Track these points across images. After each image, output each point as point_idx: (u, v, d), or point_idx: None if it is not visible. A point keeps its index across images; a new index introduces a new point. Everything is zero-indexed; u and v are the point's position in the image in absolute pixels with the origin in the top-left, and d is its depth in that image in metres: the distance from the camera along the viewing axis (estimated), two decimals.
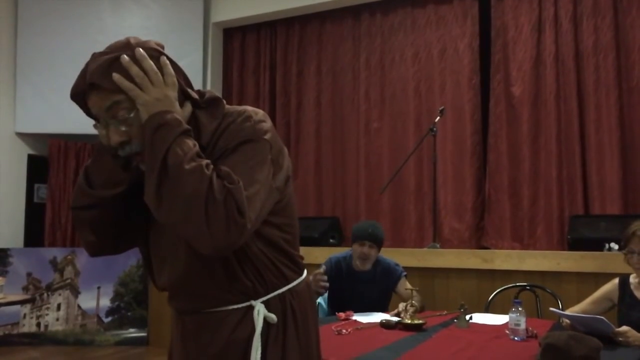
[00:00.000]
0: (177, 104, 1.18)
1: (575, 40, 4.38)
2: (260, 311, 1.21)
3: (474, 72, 4.72)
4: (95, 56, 1.19)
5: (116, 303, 4.98)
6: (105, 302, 4.98)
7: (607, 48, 4.25)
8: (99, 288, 5.00)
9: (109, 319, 4.95)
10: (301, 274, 1.34)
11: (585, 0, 4.37)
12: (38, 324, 4.92)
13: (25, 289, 4.92)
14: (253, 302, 1.22)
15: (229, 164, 1.14)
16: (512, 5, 4.63)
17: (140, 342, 4.87)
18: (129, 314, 4.96)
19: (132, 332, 4.91)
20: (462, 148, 4.69)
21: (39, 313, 4.93)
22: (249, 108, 1.26)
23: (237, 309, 1.22)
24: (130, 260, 5.09)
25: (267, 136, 1.20)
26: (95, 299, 4.99)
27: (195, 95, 1.24)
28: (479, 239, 4.57)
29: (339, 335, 2.32)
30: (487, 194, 4.58)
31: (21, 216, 5.56)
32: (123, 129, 1.15)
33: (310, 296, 1.37)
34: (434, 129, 4.21)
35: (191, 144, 1.12)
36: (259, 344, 1.20)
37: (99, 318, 4.96)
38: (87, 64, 1.19)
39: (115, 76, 1.13)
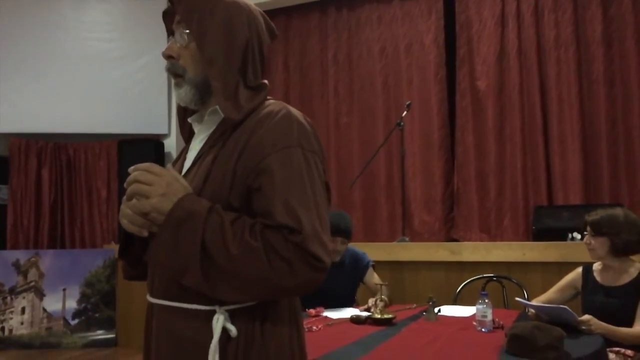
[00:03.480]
0: (178, 186, 1.11)
1: (537, 34, 4.46)
2: (219, 320, 1.10)
3: (439, 66, 4.77)
4: None
5: (83, 305, 4.88)
6: (72, 304, 4.88)
7: (568, 42, 4.34)
8: (64, 290, 4.90)
9: (76, 321, 4.85)
10: None
11: None
12: (2, 329, 4.79)
13: None
14: (217, 308, 1.11)
15: (281, 184, 1.08)
16: (476, 0, 4.68)
17: (108, 343, 4.79)
18: (96, 315, 4.87)
19: (100, 334, 4.83)
20: (430, 141, 4.74)
21: (2, 317, 4.80)
22: (287, 106, 1.20)
23: (201, 310, 1.13)
24: (96, 260, 5.00)
25: (311, 142, 1.15)
26: (61, 301, 4.89)
27: (250, 76, 1.20)
28: (448, 231, 4.64)
29: (310, 332, 2.32)
30: (455, 186, 4.65)
31: None
32: (177, 45, 1.22)
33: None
34: (401, 123, 4.24)
35: (223, 219, 1.06)
36: (216, 355, 1.09)
37: (66, 320, 4.85)
38: None
39: None
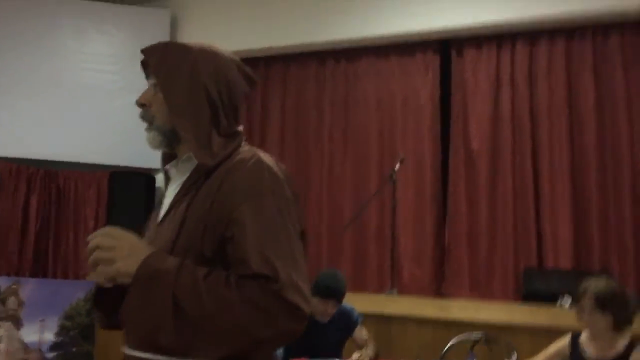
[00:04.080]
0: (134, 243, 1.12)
1: (531, 99, 4.59)
2: None
3: (434, 122, 4.87)
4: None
5: (61, 338, 4.76)
6: (49, 336, 4.75)
7: (560, 108, 4.47)
8: (42, 321, 4.79)
9: (53, 354, 4.72)
10: None
11: (540, 61, 4.59)
12: None
13: None
14: None
15: (255, 233, 1.08)
16: (472, 62, 4.82)
17: None
18: (73, 349, 4.74)
19: None
20: (422, 195, 4.80)
21: None
22: (259, 152, 1.22)
23: None
24: (77, 293, 4.89)
25: (282, 189, 1.16)
26: (38, 333, 4.77)
27: (224, 123, 1.23)
28: (438, 286, 4.64)
29: None
30: (446, 241, 4.68)
31: None
32: (150, 93, 1.27)
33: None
34: (393, 176, 4.30)
35: (195, 275, 1.06)
36: None
37: (42, 353, 4.73)
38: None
39: None
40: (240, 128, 1.30)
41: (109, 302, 1.25)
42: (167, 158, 1.36)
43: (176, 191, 1.25)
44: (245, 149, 1.23)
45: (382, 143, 5.05)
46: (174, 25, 5.54)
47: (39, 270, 5.34)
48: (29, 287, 4.85)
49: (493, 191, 4.61)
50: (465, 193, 4.67)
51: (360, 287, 4.79)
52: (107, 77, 5.35)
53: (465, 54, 4.84)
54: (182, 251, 1.12)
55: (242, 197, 1.12)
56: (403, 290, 4.50)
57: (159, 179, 5.41)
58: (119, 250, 1.08)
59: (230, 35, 5.29)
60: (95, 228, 5.42)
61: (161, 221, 1.25)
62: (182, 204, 1.20)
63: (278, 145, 5.36)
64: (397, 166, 4.34)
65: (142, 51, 1.29)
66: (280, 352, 3.17)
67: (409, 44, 4.94)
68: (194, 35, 5.60)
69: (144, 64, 1.34)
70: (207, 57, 1.25)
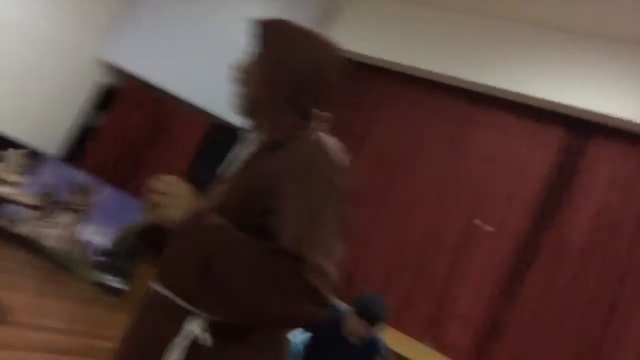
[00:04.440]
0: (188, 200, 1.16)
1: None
2: (192, 323, 1.12)
3: (535, 197, 4.62)
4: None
5: (112, 248, 5.03)
6: (103, 242, 5.05)
7: None
8: (103, 226, 5.08)
9: (99, 258, 5.00)
10: None
11: None
12: (36, 233, 5.02)
13: (42, 197, 5.04)
14: (197, 312, 1.13)
15: (296, 212, 1.09)
16: (596, 150, 4.55)
17: (115, 293, 4.90)
18: (117, 262, 5.00)
19: (112, 281, 4.94)
20: (497, 265, 4.55)
21: (41, 223, 5.04)
22: (327, 139, 1.21)
23: (182, 307, 1.15)
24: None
25: (336, 178, 1.15)
26: (96, 235, 5.07)
27: (301, 105, 1.24)
28: (480, 357, 4.40)
29: None
30: (503, 319, 4.41)
31: (71, 132, 5.76)
32: (250, 60, 1.31)
33: (275, 349, 1.20)
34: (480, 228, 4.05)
35: (230, 236, 1.08)
36: (175, 356, 1.10)
37: (91, 253, 5.02)
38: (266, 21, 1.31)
39: None
40: (320, 113, 1.30)
41: (154, 238, 1.35)
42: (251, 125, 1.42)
43: (244, 158, 1.31)
44: (315, 133, 1.23)
45: (472, 198, 4.89)
46: (325, 14, 5.60)
47: (119, 182, 5.68)
48: (104, 192, 5.18)
49: (570, 286, 4.31)
50: (541, 280, 4.39)
51: (397, 325, 4.66)
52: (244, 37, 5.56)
53: (592, 140, 4.59)
54: (226, 212, 1.16)
55: (294, 176, 1.13)
56: (442, 347, 4.31)
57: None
58: (171, 199, 1.15)
59: (372, 39, 5.33)
60: (181, 165, 5.68)
61: (222, 180, 1.33)
62: (241, 171, 1.26)
63: (370, 158, 5.34)
64: (490, 228, 4.10)
65: (257, 22, 1.32)
66: (299, 349, 3.15)
67: (540, 110, 4.76)
68: (342, 28, 5.67)
69: (256, 34, 1.36)
70: (309, 39, 1.27)
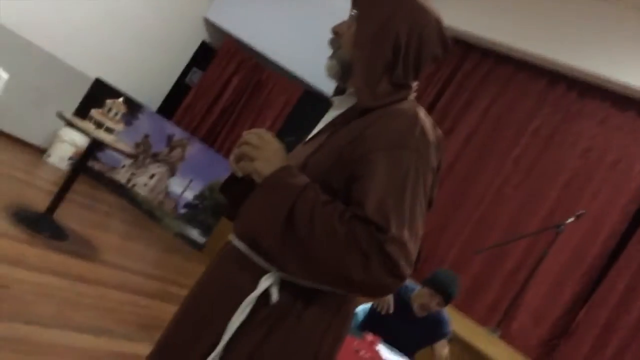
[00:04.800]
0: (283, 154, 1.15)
1: None
2: (268, 280, 1.13)
3: (634, 199, 4.32)
4: None
5: (197, 202, 5.24)
6: (189, 195, 5.26)
7: None
8: (190, 180, 5.29)
9: (184, 210, 5.23)
10: None
11: None
12: (129, 180, 5.31)
13: (136, 147, 5.31)
14: (273, 270, 1.14)
15: (383, 181, 1.06)
16: None
17: (195, 245, 5.11)
18: (201, 217, 5.20)
19: (194, 234, 5.16)
20: (577, 263, 4.34)
21: (134, 171, 5.32)
22: (421, 110, 1.18)
23: (258, 265, 1.16)
24: (227, 172, 5.30)
25: (428, 152, 1.12)
26: (183, 188, 5.28)
27: (399, 73, 1.20)
28: (545, 354, 4.24)
29: (356, 353, 2.27)
30: (578, 321, 4.22)
31: (168, 87, 5.99)
32: (345, 24, 1.27)
33: (340, 311, 1.20)
34: (561, 227, 3.92)
35: (316, 197, 1.06)
36: (248, 309, 1.12)
37: (176, 205, 5.25)
38: None
39: None
40: (415, 84, 1.26)
41: (237, 191, 1.34)
42: (339, 92, 1.38)
43: (329, 120, 1.29)
44: (409, 104, 1.20)
45: (566, 190, 4.62)
46: None
47: (209, 139, 5.87)
48: (194, 148, 5.37)
49: None
50: (625, 286, 4.13)
51: (465, 309, 4.55)
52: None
53: None
54: (312, 174, 1.15)
55: (384, 144, 1.11)
56: (505, 336, 4.19)
57: None
58: (262, 152, 1.14)
59: (478, 17, 5.09)
60: (270, 129, 5.77)
61: (305, 142, 1.30)
62: (327, 133, 1.23)
63: (462, 139, 5.17)
64: (571, 219, 3.92)
65: None
66: (359, 318, 3.15)
67: None
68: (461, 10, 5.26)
69: None
70: (413, 6, 1.22)
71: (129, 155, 4.78)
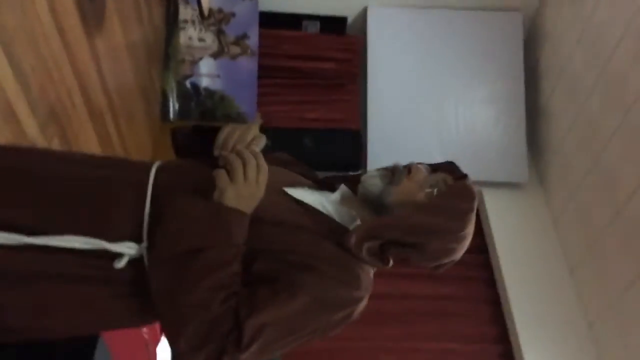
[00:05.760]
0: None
1: None
2: (131, 249, 1.08)
3: None
4: None
5: (202, 95, 5.09)
6: (205, 83, 5.08)
7: None
8: (218, 76, 5.08)
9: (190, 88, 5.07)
10: None
11: None
12: (185, 20, 5.02)
13: (217, 11, 4.92)
14: (144, 244, 1.10)
15: (285, 311, 1.06)
16: None
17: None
18: (189, 106, 5.10)
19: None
20: None
21: (194, 20, 5.01)
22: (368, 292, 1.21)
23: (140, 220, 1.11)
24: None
25: (338, 327, 1.16)
26: (208, 75, 5.10)
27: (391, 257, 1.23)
28: None
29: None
30: None
31: None
32: (417, 178, 1.28)
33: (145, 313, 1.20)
34: None
35: (234, 268, 1.05)
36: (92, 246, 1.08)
37: (189, 77, 5.09)
38: None
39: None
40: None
41: (187, 144, 1.44)
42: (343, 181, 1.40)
43: (321, 205, 1.31)
44: (369, 276, 1.26)
45: None
46: (527, 26, 4.95)
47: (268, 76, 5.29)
48: (248, 63, 5.03)
49: None
50: None
51: None
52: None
53: None
54: (257, 233, 1.13)
55: (318, 294, 1.13)
56: None
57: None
58: (245, 187, 1.08)
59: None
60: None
61: (293, 185, 1.32)
62: (306, 217, 1.26)
63: None
64: None
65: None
66: None
67: None
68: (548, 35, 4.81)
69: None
70: (462, 247, 1.25)
71: (201, 9, 4.54)
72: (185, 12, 5.52)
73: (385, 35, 4.95)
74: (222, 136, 1.22)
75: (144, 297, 1.10)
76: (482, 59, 4.81)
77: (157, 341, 2.27)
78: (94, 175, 1.16)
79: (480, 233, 4.59)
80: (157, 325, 2.23)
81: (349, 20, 5.20)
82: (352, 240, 1.15)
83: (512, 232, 4.42)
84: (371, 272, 1.24)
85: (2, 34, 2.14)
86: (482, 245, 4.54)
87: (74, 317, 1.11)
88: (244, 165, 1.09)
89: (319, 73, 5.09)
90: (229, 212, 1.05)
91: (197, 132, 1.40)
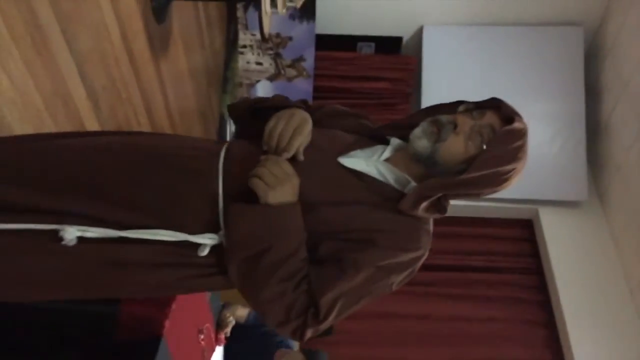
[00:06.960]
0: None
1: None
2: (212, 240, 1.17)
3: None
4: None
5: None
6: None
7: None
8: None
9: None
10: None
11: None
12: (244, 45, 5.24)
13: (275, 35, 5.13)
14: (220, 230, 1.18)
15: (353, 283, 1.15)
16: None
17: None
18: None
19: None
20: None
21: (253, 45, 5.23)
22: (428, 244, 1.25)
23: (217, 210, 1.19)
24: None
25: (398, 285, 1.23)
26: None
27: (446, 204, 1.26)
28: None
29: (198, 333, 2.21)
30: None
31: None
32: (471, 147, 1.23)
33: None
34: None
35: (300, 256, 1.14)
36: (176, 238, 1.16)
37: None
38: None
39: None
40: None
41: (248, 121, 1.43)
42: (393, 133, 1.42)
43: (374, 167, 1.34)
44: (429, 228, 1.30)
45: None
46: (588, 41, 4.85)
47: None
48: (303, 83, 5.21)
49: None
50: None
51: None
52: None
53: None
54: (313, 219, 1.18)
55: (382, 261, 1.21)
56: None
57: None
58: (282, 186, 1.13)
59: None
60: None
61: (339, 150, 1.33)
62: (358, 188, 1.29)
63: None
64: None
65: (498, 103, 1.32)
66: None
67: None
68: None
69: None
70: (518, 173, 1.27)
71: (262, 33, 4.72)
72: (245, 38, 5.77)
73: (440, 53, 4.97)
74: (267, 130, 1.21)
75: (227, 274, 1.20)
76: (541, 76, 4.72)
77: (212, 349, 2.38)
78: (170, 180, 1.21)
79: (536, 253, 4.49)
80: (213, 333, 2.39)
81: (404, 40, 5.24)
82: (409, 204, 1.20)
83: (570, 252, 4.28)
84: (430, 225, 1.28)
85: (78, 56, 2.33)
86: (536, 266, 4.44)
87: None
88: (268, 170, 1.13)
89: (371, 92, 5.18)
90: (279, 210, 1.13)
91: (252, 109, 1.40)
